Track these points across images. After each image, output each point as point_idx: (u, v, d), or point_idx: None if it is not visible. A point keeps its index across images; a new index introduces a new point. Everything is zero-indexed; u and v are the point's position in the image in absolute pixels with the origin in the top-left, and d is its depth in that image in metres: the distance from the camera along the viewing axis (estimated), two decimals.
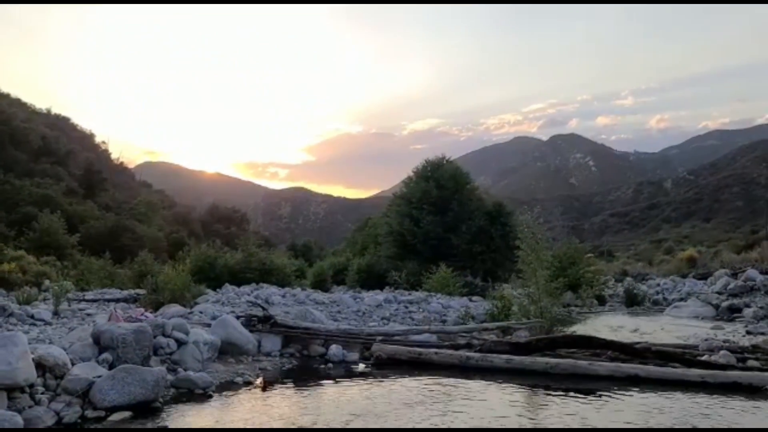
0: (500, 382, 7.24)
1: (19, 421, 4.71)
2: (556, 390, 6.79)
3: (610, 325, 13.87)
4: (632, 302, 20.25)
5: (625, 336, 10.97)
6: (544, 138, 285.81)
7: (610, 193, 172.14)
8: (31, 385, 5.33)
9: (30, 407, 5.12)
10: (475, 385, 7.15)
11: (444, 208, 28.93)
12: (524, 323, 11.02)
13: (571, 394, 6.61)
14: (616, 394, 6.62)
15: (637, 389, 6.77)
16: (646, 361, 7.82)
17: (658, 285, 25.92)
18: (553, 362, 7.78)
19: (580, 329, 11.27)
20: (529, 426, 5.42)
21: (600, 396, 6.54)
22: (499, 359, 8.07)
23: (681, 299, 19.74)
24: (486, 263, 27.01)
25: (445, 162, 31.74)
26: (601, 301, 20.81)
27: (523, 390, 7.02)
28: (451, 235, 28.01)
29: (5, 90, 66.31)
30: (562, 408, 6.01)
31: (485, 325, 11.35)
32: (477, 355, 8.32)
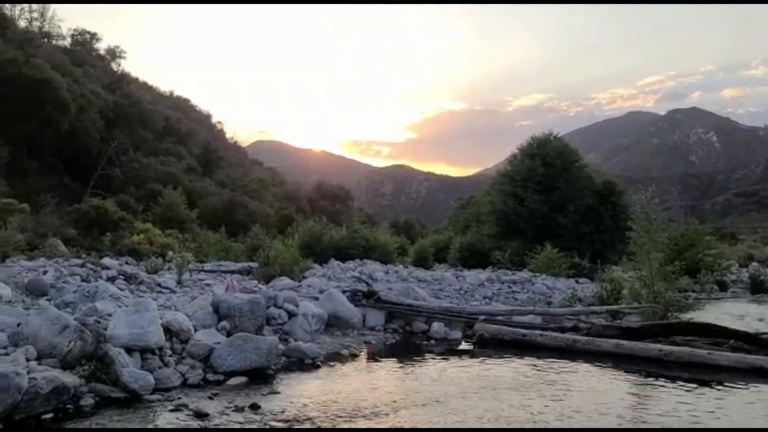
0: (608, 368, 7.00)
1: (151, 380, 5.19)
2: (669, 379, 6.46)
3: (732, 312, 12.89)
4: (758, 289, 18.65)
5: (749, 325, 10.16)
6: (662, 113, 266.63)
7: (736, 171, 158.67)
8: (161, 348, 5.85)
9: (159, 368, 5.63)
10: (581, 369, 6.96)
11: (550, 186, 28.01)
12: (636, 308, 10.49)
13: (687, 384, 6.25)
14: (737, 386, 6.19)
15: (762, 383, 6.30)
16: None
17: None
18: (667, 349, 7.40)
19: (697, 316, 10.57)
20: (636, 418, 5.21)
21: (719, 388, 6.14)
22: (608, 344, 7.79)
23: None
24: (594, 244, 25.90)
25: (552, 138, 30.58)
26: (723, 287, 19.34)
27: (632, 377, 6.74)
28: (557, 214, 27.11)
29: (134, 74, 71.52)
30: (677, 399, 5.70)
31: (593, 308, 10.93)
32: (584, 338, 8.08)
